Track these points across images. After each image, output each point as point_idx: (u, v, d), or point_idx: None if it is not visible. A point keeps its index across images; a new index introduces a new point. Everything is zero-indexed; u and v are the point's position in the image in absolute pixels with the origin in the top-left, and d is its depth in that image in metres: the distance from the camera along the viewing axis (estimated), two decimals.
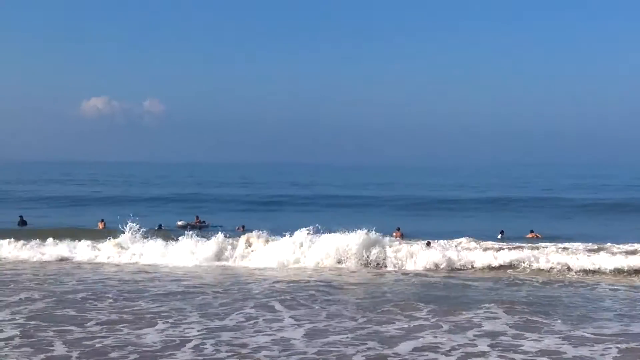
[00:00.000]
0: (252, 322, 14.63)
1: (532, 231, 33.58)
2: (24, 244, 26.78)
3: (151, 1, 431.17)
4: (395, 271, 23.08)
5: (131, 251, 26.07)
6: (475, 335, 13.55)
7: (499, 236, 31.65)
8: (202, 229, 34.56)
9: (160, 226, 33.99)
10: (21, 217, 36.40)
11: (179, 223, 36.16)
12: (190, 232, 26.96)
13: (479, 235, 29.27)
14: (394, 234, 31.55)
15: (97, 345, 12.64)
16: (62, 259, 25.53)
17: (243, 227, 34.07)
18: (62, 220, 39.02)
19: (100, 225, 34.54)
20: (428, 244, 26.49)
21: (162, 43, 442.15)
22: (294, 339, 13.21)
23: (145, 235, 27.42)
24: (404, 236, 31.01)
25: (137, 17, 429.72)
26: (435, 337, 13.46)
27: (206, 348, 12.52)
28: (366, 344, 12.84)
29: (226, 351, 12.33)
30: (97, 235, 29.45)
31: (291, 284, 19.70)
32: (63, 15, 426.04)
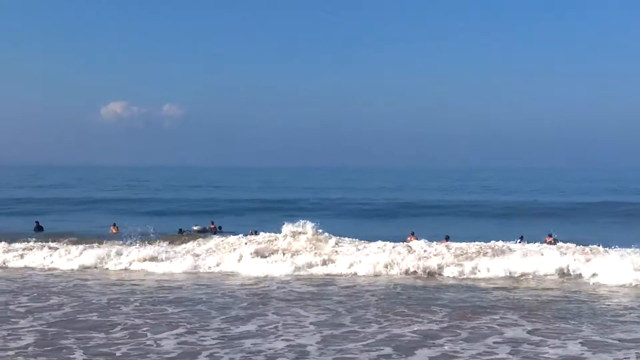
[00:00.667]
0: None
1: (550, 235, 33.27)
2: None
3: (170, 6, 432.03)
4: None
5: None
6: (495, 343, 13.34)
7: (518, 241, 31.28)
8: (217, 234, 34.93)
9: (180, 230, 34.19)
10: (37, 222, 36.66)
11: (195, 228, 36.17)
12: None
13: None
14: (408, 238, 31.56)
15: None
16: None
17: (255, 231, 34.05)
18: (74, 225, 39.11)
19: (113, 230, 34.60)
20: (447, 238, 26.09)
21: (181, 48, 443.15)
22: None
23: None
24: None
25: (155, 22, 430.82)
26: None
27: None
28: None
29: None
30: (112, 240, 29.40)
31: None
32: (81, 20, 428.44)
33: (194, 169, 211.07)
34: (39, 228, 35.81)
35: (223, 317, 15.72)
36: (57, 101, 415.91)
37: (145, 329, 14.48)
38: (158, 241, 28.83)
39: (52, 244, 28.59)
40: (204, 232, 35.33)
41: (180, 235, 32.87)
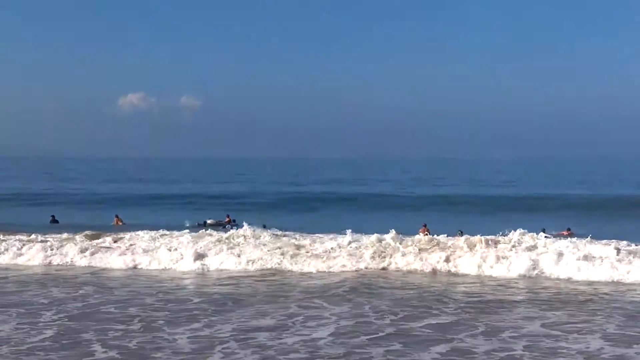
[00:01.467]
0: None
1: (568, 229, 32.82)
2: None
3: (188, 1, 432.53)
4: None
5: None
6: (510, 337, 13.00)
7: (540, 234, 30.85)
8: (233, 227, 34.87)
9: (205, 223, 35.12)
10: (53, 216, 37.31)
11: (209, 221, 36.20)
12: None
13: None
14: (420, 230, 31.35)
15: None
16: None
17: (264, 226, 34.16)
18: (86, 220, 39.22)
19: (116, 221, 35.96)
20: (461, 233, 25.69)
21: (198, 39, 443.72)
22: None
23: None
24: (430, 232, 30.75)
25: (173, 14, 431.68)
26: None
27: None
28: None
29: None
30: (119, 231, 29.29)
31: None
32: (99, 13, 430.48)
33: (211, 159, 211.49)
34: (54, 221, 36.52)
35: None
36: (75, 93, 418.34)
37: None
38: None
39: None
40: (219, 226, 35.18)
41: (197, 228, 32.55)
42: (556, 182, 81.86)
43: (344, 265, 21.54)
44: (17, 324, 14.19)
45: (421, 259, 21.72)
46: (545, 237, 30.01)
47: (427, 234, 30.62)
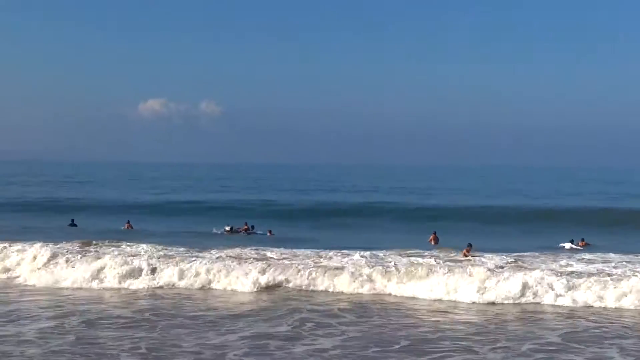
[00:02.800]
0: None
1: (582, 239, 32.09)
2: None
3: (208, 4, 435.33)
4: None
5: None
6: None
7: (568, 246, 30.17)
8: (250, 235, 35.18)
9: (231, 228, 35.68)
10: (72, 220, 38.28)
11: (227, 228, 36.20)
12: None
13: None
14: (430, 237, 31.59)
15: None
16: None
17: (270, 231, 35.48)
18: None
19: (126, 226, 37.01)
20: (470, 246, 25.05)
21: (218, 44, 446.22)
22: None
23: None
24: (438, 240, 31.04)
25: (193, 18, 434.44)
26: None
27: None
28: None
29: None
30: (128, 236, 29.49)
31: None
32: (120, 16, 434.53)
33: (232, 166, 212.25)
34: (72, 225, 37.55)
35: None
36: (96, 97, 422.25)
37: None
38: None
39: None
40: (236, 233, 35.45)
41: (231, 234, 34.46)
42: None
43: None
44: None
45: None
46: (572, 247, 29.59)
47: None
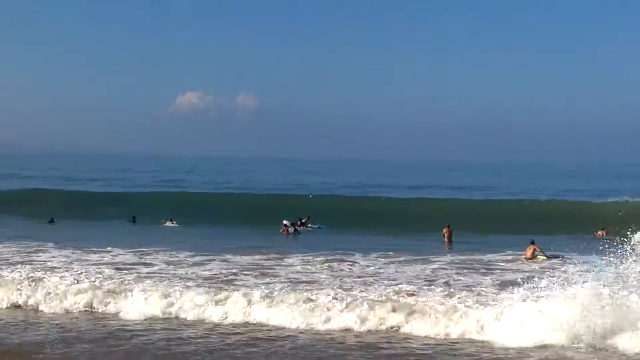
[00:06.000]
0: None
1: (603, 229, 32.33)
2: None
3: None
4: None
5: None
6: None
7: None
8: (305, 230, 36.36)
9: (300, 221, 37.24)
10: (134, 217, 41.19)
11: (285, 222, 36.03)
12: None
13: None
14: (444, 231, 31.89)
15: None
16: None
17: (301, 221, 36.91)
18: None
19: (168, 223, 39.46)
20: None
21: (249, 37, 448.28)
22: None
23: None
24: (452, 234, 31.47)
25: (226, 11, 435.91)
26: None
27: None
28: None
29: None
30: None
31: None
32: (157, 11, 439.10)
33: (269, 160, 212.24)
34: (133, 220, 40.71)
35: None
36: (133, 91, 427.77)
37: None
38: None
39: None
40: (293, 227, 35.37)
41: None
42: None
43: None
44: None
45: None
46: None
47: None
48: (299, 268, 23.07)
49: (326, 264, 23.71)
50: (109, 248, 26.70)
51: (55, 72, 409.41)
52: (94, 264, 22.93)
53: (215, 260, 24.28)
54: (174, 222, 39.67)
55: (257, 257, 25.07)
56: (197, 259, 24.66)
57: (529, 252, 25.64)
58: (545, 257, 25.30)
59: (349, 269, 23.19)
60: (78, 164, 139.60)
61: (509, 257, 25.80)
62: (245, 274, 21.46)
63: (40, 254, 25.20)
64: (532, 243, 25.98)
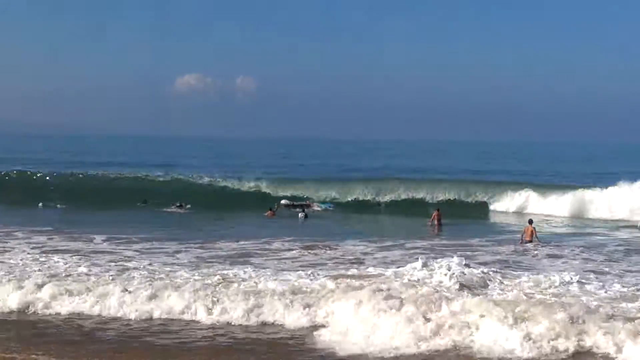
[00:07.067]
0: None
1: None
2: None
3: None
4: None
5: None
6: None
7: None
8: (310, 209, 34.70)
9: (327, 205, 36.13)
10: (145, 200, 41.58)
11: (283, 202, 35.43)
12: None
13: None
14: (434, 215, 31.00)
15: None
16: None
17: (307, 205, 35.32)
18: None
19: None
20: (530, 222, 24.71)
21: (254, 21, 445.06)
22: None
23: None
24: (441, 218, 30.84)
25: None
26: None
27: None
28: None
29: None
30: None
31: None
32: None
33: (269, 140, 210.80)
34: (144, 202, 41.06)
35: None
36: (133, 72, 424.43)
37: None
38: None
39: None
40: (293, 207, 34.39)
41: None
42: None
43: None
44: None
45: None
46: None
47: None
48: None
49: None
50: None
51: (54, 59, 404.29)
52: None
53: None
54: (185, 207, 36.55)
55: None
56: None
57: (528, 233, 24.65)
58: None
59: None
60: (75, 145, 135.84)
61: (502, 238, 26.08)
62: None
63: None
64: (530, 223, 25.09)
